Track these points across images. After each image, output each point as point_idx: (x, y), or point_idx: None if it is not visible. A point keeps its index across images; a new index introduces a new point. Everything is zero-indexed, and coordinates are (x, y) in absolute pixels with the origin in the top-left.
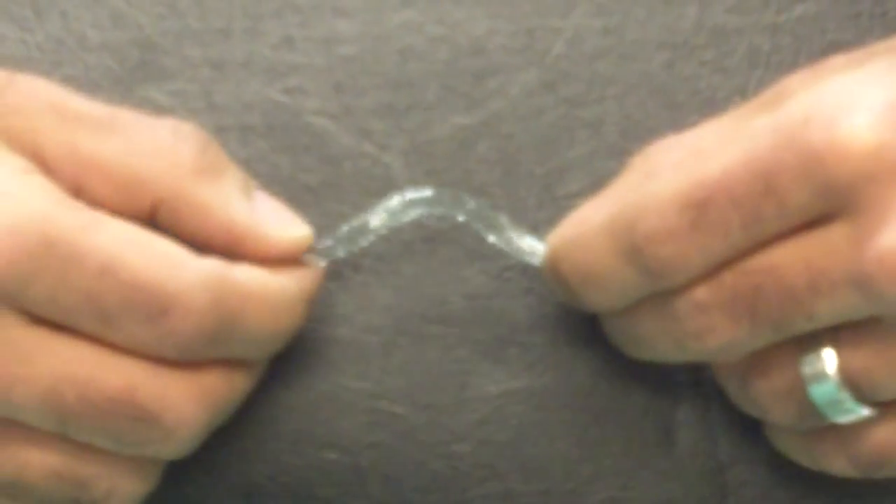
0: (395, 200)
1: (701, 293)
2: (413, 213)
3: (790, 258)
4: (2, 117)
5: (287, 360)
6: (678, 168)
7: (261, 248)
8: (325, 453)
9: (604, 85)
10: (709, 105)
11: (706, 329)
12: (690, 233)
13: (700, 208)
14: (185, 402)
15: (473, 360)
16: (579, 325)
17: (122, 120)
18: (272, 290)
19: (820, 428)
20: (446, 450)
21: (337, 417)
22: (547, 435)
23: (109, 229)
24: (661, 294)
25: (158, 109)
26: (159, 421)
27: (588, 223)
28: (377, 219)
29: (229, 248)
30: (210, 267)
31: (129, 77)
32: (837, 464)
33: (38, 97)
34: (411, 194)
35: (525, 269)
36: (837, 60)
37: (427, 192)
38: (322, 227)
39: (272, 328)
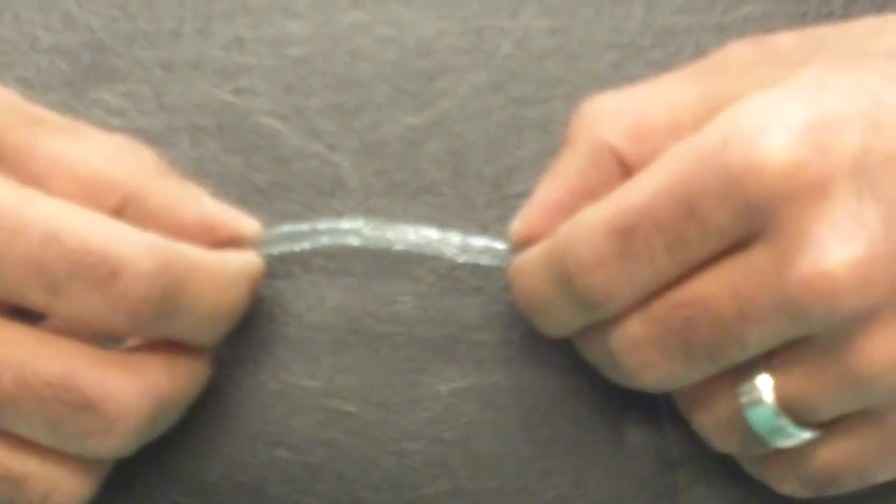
0: (345, 224)
1: (634, 328)
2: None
3: (717, 287)
4: None
5: (238, 359)
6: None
7: (228, 240)
8: (277, 451)
9: (552, 85)
10: None
11: (641, 365)
12: (618, 260)
13: (626, 235)
14: (127, 392)
15: (424, 358)
16: (530, 323)
17: (80, 127)
18: (215, 263)
19: (768, 452)
20: (397, 448)
21: (288, 416)
22: (498, 433)
23: (50, 201)
24: (600, 325)
25: (110, 111)
26: (99, 409)
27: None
28: (324, 235)
29: (200, 242)
30: (153, 237)
31: (81, 79)
32: (789, 485)
33: None
34: (358, 224)
35: (475, 268)
36: (785, 40)
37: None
38: (273, 225)
39: (216, 301)
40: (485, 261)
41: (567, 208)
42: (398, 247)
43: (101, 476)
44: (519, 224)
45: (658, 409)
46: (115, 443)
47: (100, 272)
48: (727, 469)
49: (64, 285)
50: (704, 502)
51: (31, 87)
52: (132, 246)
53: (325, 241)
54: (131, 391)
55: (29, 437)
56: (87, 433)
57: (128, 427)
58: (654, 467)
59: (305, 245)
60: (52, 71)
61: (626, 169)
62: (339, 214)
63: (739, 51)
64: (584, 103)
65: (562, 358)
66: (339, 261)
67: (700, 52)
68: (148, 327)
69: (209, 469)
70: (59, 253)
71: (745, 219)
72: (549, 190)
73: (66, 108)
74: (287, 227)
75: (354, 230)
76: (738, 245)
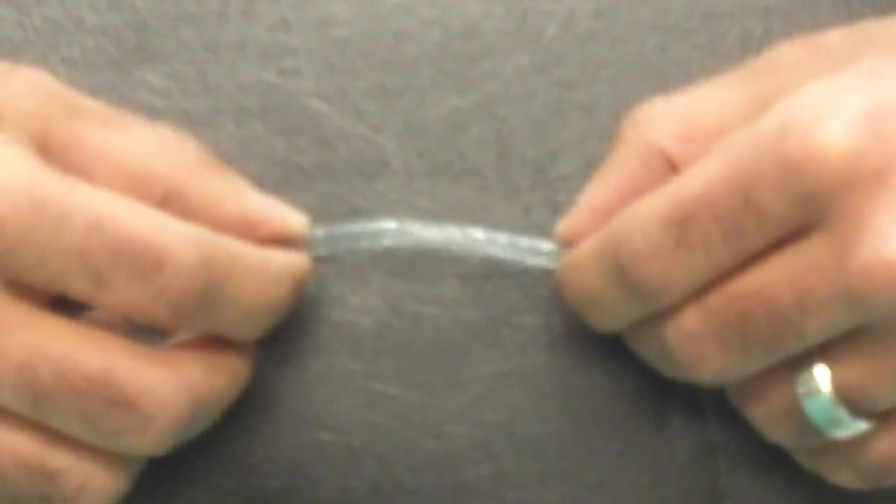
0: (400, 226)
1: (690, 321)
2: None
3: (775, 278)
4: (7, 100)
5: (281, 341)
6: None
7: (272, 236)
8: (319, 434)
9: (596, 67)
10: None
11: (698, 358)
12: (674, 251)
13: (682, 225)
14: (164, 390)
15: (467, 341)
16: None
17: (125, 118)
18: (258, 258)
19: (823, 443)
20: (440, 430)
21: (331, 398)
22: (540, 416)
23: (94, 190)
24: (654, 319)
25: (154, 92)
26: (136, 406)
27: (582, 247)
28: (371, 237)
29: (243, 237)
30: (197, 228)
31: (126, 59)
32: (844, 477)
33: (45, 87)
34: (420, 228)
35: None
36: (833, 37)
37: (434, 231)
38: (317, 206)
39: (258, 296)
40: (532, 261)
41: (615, 209)
42: (445, 247)
43: (135, 473)
44: (566, 224)
45: (700, 394)
46: (150, 440)
47: (144, 262)
48: (769, 454)
49: (108, 275)
50: (746, 487)
51: (76, 67)
52: (176, 237)
53: (371, 242)
54: (169, 389)
55: (64, 430)
56: (123, 429)
57: (164, 425)
58: (696, 451)
59: (351, 246)
60: (97, 51)
61: (675, 171)
62: (382, 196)
63: (787, 51)
64: (635, 108)
65: (605, 341)
66: None
67: (745, 35)
68: (189, 319)
69: (250, 451)
70: (103, 242)
71: (803, 208)
72: (597, 191)
73: (111, 89)
74: (333, 228)
75: (401, 231)
76: (795, 235)
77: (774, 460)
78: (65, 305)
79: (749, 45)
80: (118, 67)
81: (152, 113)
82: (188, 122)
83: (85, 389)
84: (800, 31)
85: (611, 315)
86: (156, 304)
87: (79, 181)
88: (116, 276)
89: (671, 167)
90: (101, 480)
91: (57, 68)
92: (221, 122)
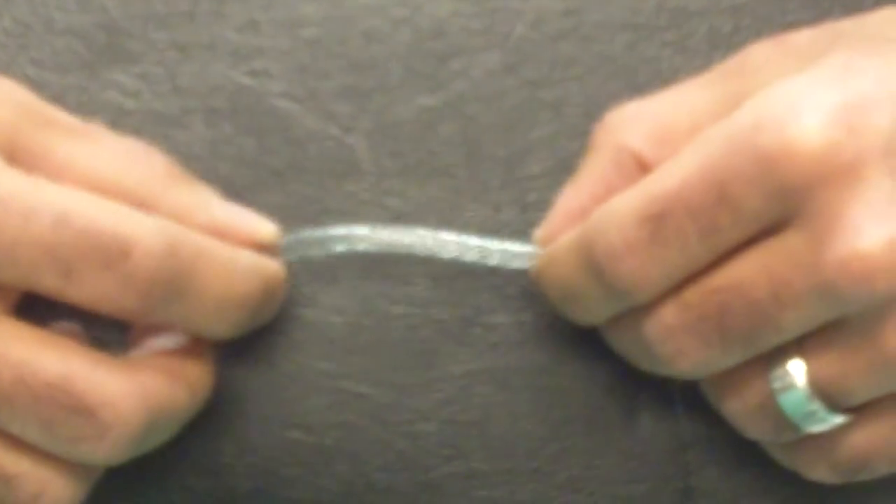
0: (366, 230)
1: (667, 316)
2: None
3: (752, 271)
4: None
5: (252, 340)
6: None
7: (243, 244)
8: (291, 433)
9: (566, 66)
10: (670, 86)
11: (676, 352)
12: (649, 247)
13: (657, 221)
14: (124, 399)
15: (438, 340)
16: (543, 305)
17: (94, 130)
18: (225, 252)
19: (798, 438)
20: (411, 429)
21: (302, 397)
22: (511, 415)
23: (59, 187)
24: (633, 313)
25: (125, 93)
26: (95, 414)
27: (561, 241)
28: (340, 242)
29: None
30: (162, 220)
31: (96, 60)
32: (819, 471)
33: (14, 97)
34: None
35: None
36: (803, 36)
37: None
38: (287, 207)
39: (224, 289)
40: (506, 263)
41: (590, 213)
42: (417, 252)
43: (92, 481)
44: (542, 231)
45: (671, 391)
46: (107, 449)
47: (111, 252)
48: (739, 451)
49: (76, 267)
50: (716, 483)
51: (46, 68)
52: (142, 227)
53: (342, 247)
54: (128, 399)
55: (22, 436)
56: (80, 437)
57: (121, 435)
58: (667, 449)
59: (322, 252)
60: (67, 52)
61: (647, 173)
62: (353, 196)
63: (757, 51)
64: (608, 113)
65: (575, 340)
66: None
67: (714, 33)
68: (158, 309)
69: (222, 451)
70: (70, 235)
71: (778, 202)
72: (571, 195)
73: (81, 90)
74: (302, 234)
75: (372, 235)
76: (770, 229)
77: (744, 457)
78: (27, 316)
79: (718, 43)
80: (88, 69)
81: (122, 114)
82: (158, 122)
83: (44, 395)
84: (769, 28)
85: (589, 309)
86: (124, 293)
87: (42, 180)
88: (85, 268)
89: (644, 169)
90: (58, 488)
91: (27, 69)
92: (191, 122)
